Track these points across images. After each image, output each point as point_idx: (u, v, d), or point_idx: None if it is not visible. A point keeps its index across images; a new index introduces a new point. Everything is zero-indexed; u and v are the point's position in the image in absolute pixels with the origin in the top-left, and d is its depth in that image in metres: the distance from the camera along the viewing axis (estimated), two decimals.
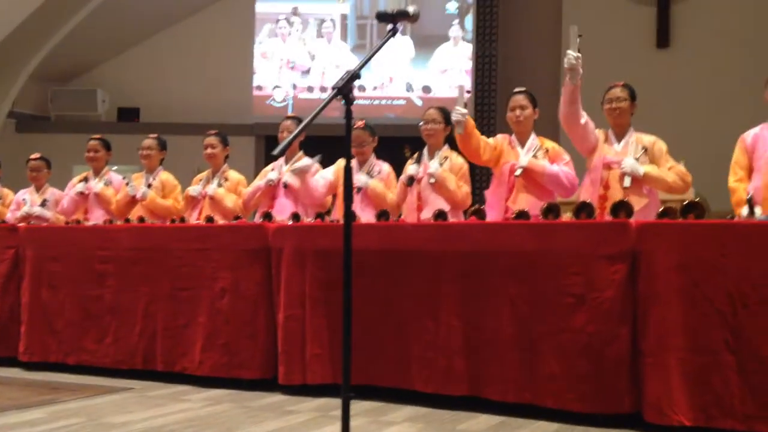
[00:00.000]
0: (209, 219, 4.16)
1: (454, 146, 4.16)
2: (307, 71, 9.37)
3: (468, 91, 8.84)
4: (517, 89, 4.14)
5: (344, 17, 9.40)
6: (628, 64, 8.16)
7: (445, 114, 4.28)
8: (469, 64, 9.05)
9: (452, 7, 9.13)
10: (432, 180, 4.14)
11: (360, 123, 4.43)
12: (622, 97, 3.89)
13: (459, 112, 3.87)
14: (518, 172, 3.93)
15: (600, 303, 3.00)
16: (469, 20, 9.09)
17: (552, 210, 3.25)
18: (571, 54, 3.63)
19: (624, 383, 2.96)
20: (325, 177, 4.51)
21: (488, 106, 8.98)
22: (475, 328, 3.25)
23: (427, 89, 9.01)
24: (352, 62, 8.99)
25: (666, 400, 2.85)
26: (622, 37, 8.37)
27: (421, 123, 4.31)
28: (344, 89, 2.22)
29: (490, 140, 4.15)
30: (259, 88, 9.47)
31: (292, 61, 9.39)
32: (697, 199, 3.15)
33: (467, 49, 9.07)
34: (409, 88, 9.06)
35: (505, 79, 8.94)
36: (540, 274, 3.13)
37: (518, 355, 3.15)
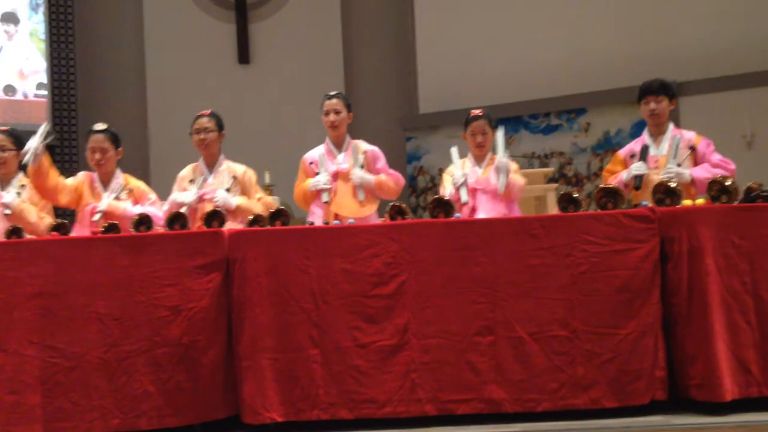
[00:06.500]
0: None
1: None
2: None
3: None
4: (96, 126, 3.94)
5: None
6: (213, 79, 8.38)
7: (15, 137, 3.86)
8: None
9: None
10: (8, 212, 3.69)
11: None
12: (210, 128, 3.90)
13: (33, 146, 3.54)
14: (97, 217, 3.72)
15: (195, 313, 2.98)
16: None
17: (144, 222, 3.14)
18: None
19: (220, 390, 3.00)
20: None
21: (68, 112, 8.33)
22: (56, 356, 2.95)
23: None
24: None
25: (260, 399, 2.97)
26: (205, 52, 8.53)
27: None
28: None
29: (71, 180, 3.89)
30: None
31: None
32: (282, 207, 3.36)
33: None
34: None
35: (85, 84, 8.40)
36: (132, 289, 2.99)
37: (106, 379, 2.95)
